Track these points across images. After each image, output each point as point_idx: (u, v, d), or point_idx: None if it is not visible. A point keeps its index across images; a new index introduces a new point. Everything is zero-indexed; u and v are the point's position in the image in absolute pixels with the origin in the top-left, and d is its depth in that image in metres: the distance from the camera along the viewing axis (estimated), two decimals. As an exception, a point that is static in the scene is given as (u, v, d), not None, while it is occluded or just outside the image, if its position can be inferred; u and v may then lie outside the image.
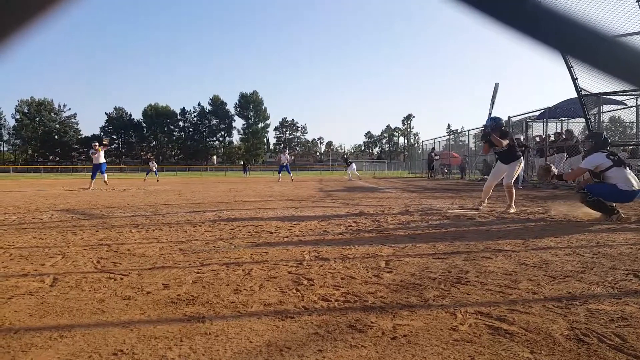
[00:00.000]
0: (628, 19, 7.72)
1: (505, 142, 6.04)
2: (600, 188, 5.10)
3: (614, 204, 5.03)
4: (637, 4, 7.58)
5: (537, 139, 15.60)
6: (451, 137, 32.17)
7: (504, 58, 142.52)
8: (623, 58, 0.36)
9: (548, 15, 0.35)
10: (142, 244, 3.66)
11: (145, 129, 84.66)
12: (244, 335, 1.65)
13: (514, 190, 6.18)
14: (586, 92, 10.06)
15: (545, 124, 14.88)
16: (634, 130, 12.32)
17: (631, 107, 11.84)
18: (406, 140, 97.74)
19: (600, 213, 5.08)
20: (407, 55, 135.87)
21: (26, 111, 76.62)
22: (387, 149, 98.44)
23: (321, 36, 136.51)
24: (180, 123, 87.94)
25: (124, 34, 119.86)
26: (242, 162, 51.26)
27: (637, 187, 4.93)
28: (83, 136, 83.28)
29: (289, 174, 20.72)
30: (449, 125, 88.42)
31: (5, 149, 79.04)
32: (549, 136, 14.45)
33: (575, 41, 0.36)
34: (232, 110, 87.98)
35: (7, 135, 78.17)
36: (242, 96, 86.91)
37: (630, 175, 5.01)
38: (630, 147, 13.34)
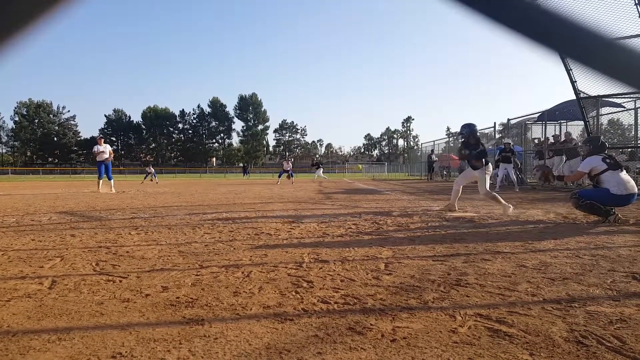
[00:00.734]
0: (627, 21, 7.75)
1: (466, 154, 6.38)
2: (593, 193, 5.11)
3: (606, 209, 4.98)
4: (635, 6, 7.61)
5: (536, 141, 15.64)
6: (450, 139, 32.16)
7: (504, 61, 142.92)
8: (621, 60, 0.36)
9: (546, 17, 0.35)
10: (141, 246, 3.65)
11: (144, 131, 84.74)
12: (243, 338, 1.65)
13: (494, 194, 6.22)
14: (585, 95, 10.09)
15: (544, 126, 14.90)
16: (633, 132, 12.35)
17: (630, 109, 11.88)
18: (406, 143, 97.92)
19: (596, 216, 5.08)
20: (407, 58, 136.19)
21: (25, 113, 76.64)
22: (386, 151, 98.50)
23: (321, 39, 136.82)
24: (180, 125, 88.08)
25: (124, 36, 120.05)
26: (242, 164, 51.25)
27: (631, 191, 4.89)
28: (82, 138, 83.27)
29: (292, 176, 21.69)
30: (448, 128, 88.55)
31: (4, 150, 79.03)
32: (548, 139, 14.47)
33: (573, 42, 0.36)
34: (232, 113, 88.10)
35: (5, 137, 78.25)
36: (242, 98, 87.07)
37: (626, 178, 4.97)
38: (629, 150, 13.37)
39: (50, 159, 79.71)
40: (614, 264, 2.85)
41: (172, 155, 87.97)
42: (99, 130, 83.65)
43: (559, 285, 2.36)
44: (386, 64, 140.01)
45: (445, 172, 26.52)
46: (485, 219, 5.46)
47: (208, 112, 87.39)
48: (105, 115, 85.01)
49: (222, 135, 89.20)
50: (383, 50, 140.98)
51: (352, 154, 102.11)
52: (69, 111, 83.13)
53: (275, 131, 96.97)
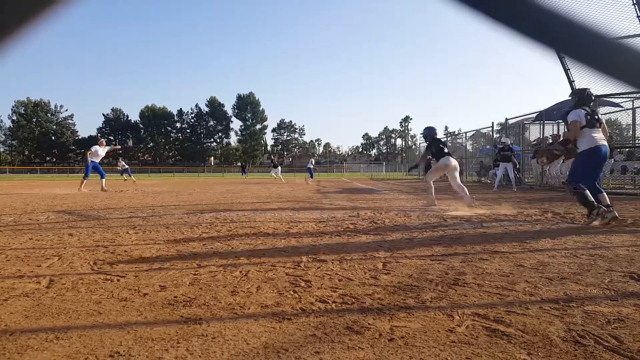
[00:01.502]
0: (625, 21, 7.77)
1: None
2: (575, 167, 5.22)
3: (593, 200, 4.93)
4: (634, 7, 7.62)
5: (535, 141, 15.66)
6: (448, 139, 32.22)
7: (502, 60, 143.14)
8: (619, 58, 0.36)
9: (545, 15, 0.35)
10: (139, 245, 3.65)
11: (142, 130, 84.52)
12: (241, 337, 1.65)
13: (431, 185, 7.32)
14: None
15: (542, 126, 14.92)
16: (630, 132, 12.38)
17: (627, 109, 11.91)
18: (404, 142, 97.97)
19: (585, 208, 5.03)
20: (405, 58, 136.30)
21: (23, 112, 76.35)
22: (384, 151, 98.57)
23: (319, 38, 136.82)
24: (178, 124, 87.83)
25: (122, 35, 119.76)
26: (240, 164, 51.22)
27: (602, 143, 4.97)
28: (80, 137, 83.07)
29: (311, 176, 22.16)
30: (446, 127, 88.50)
31: (2, 149, 78.70)
32: (547, 138, 14.49)
33: (571, 40, 0.36)
34: (230, 112, 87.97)
35: (3, 137, 77.93)
36: (240, 97, 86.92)
37: (598, 136, 5.05)
38: (627, 149, 13.41)
39: (48, 158, 79.50)
40: (611, 264, 2.86)
41: (170, 154, 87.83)
42: (97, 129, 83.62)
43: (556, 284, 2.36)
44: (384, 64, 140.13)
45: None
46: (483, 218, 5.47)
47: (206, 111, 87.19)
48: (103, 115, 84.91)
49: (220, 134, 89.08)
50: (382, 50, 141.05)
51: (350, 153, 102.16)
52: (66, 110, 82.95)
53: (273, 130, 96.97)
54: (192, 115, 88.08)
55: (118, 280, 2.51)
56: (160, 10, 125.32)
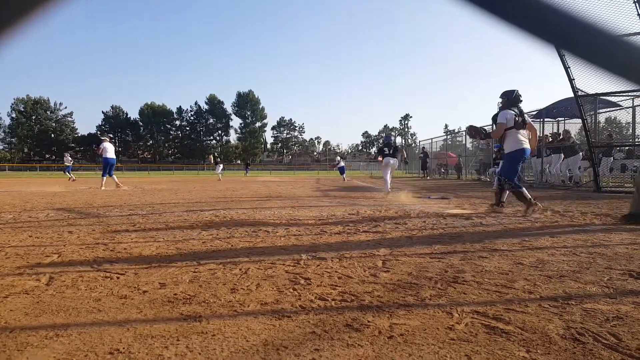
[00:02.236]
0: (625, 19, 7.75)
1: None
2: (507, 167, 5.66)
3: (530, 197, 5.53)
4: (634, 4, 7.61)
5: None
6: (448, 137, 32.20)
7: (502, 58, 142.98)
8: (620, 55, 0.36)
9: (545, 10, 0.35)
10: (138, 243, 3.65)
11: (142, 128, 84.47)
12: (241, 335, 1.65)
13: (387, 180, 9.76)
14: (583, 93, 10.10)
15: (542, 124, 14.92)
16: (630, 130, 12.38)
17: (627, 107, 11.90)
18: (403, 140, 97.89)
19: (523, 203, 5.60)
20: (405, 55, 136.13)
21: (22, 109, 76.26)
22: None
23: (319, 36, 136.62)
24: (177, 122, 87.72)
25: (121, 32, 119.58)
26: (246, 162, 51.45)
27: (525, 146, 5.52)
28: (79, 135, 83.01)
29: (342, 174, 21.65)
30: (446, 126, 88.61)
31: (1, 147, 78.60)
32: (547, 136, 14.48)
33: (571, 36, 0.36)
34: (230, 110, 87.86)
35: (2, 134, 77.80)
36: (239, 95, 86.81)
37: (522, 138, 5.54)
38: (627, 148, 13.41)
39: (47, 156, 79.42)
40: (610, 262, 2.86)
41: (170, 152, 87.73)
42: (97, 127, 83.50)
43: (555, 282, 2.37)
44: (385, 61, 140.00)
45: (443, 170, 26.61)
46: (482, 216, 5.47)
47: (205, 109, 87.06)
48: (102, 112, 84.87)
49: (219, 132, 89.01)
50: (382, 48, 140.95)
51: (349, 151, 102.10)
52: (66, 108, 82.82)
53: (273, 128, 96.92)
54: (192, 113, 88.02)
55: (118, 277, 2.51)
56: (159, 7, 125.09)
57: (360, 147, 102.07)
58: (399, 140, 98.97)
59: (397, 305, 1.99)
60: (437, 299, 2.08)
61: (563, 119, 16.25)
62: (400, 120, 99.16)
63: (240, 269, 2.70)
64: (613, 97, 11.25)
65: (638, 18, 7.67)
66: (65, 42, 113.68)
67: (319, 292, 2.21)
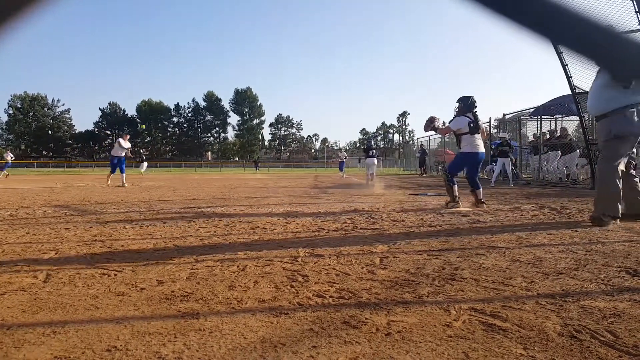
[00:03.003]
0: (623, 15, 7.75)
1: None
2: (454, 163, 6.31)
3: (457, 195, 6.13)
4: (632, 1, 7.61)
5: (532, 137, 15.67)
6: (448, 135, 32.25)
7: (499, 56, 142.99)
8: (617, 51, 0.36)
9: (543, 6, 0.35)
10: (136, 240, 3.64)
11: (139, 125, 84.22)
12: (238, 332, 1.65)
13: (368, 176, 13.22)
14: (581, 90, 10.11)
15: (539, 121, 14.93)
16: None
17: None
18: (401, 137, 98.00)
19: (449, 197, 6.26)
20: (403, 53, 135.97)
21: (19, 106, 75.94)
22: (382, 146, 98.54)
23: (317, 33, 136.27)
24: (174, 119, 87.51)
25: (119, 29, 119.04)
26: (254, 160, 52.59)
27: (480, 150, 5.99)
28: (77, 131, 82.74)
29: (341, 171, 21.91)
30: (444, 123, 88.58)
31: (-2, 144, 78.27)
32: (544, 134, 14.50)
33: (569, 32, 0.36)
34: (227, 106, 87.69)
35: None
36: (237, 92, 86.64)
37: (478, 142, 5.97)
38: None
39: (44, 153, 79.18)
40: (608, 259, 2.87)
41: (167, 149, 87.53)
42: (94, 124, 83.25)
43: (553, 279, 2.37)
44: (383, 59, 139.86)
45: (440, 167, 26.65)
46: (480, 213, 5.48)
47: (203, 105, 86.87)
48: (100, 109, 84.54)
49: (217, 129, 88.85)
50: (379, 45, 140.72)
51: (347, 148, 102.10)
52: (63, 104, 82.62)
53: (270, 125, 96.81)
54: (189, 109, 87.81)
55: (115, 274, 2.51)
56: (158, 4, 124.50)
57: (358, 144, 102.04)
58: (396, 137, 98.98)
59: (395, 302, 1.99)
60: (435, 296, 2.08)
61: (560, 116, 16.26)
62: (398, 118, 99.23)
63: (237, 266, 2.70)
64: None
65: (636, 15, 7.68)
66: (63, 38, 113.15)
67: (317, 289, 2.21)
